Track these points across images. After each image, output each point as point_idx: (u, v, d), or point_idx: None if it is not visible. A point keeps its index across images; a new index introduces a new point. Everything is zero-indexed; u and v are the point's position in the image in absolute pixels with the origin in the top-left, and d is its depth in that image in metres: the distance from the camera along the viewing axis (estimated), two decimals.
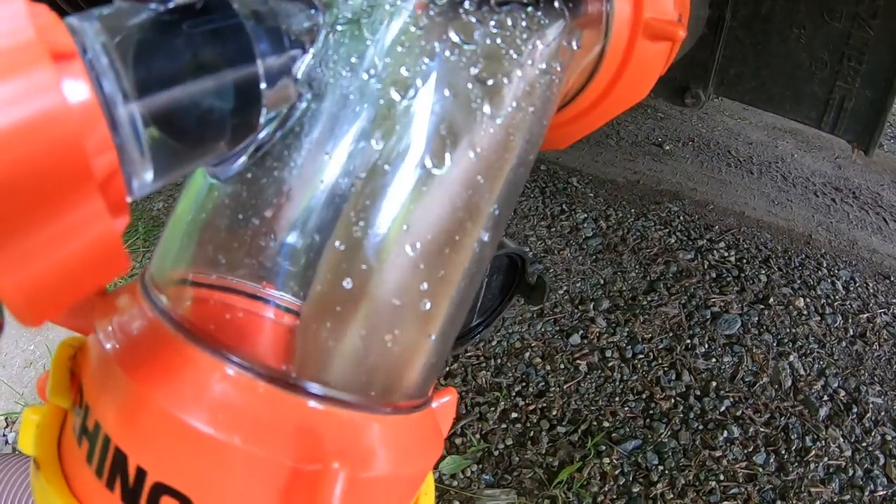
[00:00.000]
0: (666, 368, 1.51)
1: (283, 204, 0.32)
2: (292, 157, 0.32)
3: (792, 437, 1.38)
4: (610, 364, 1.52)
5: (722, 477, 1.29)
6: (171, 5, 0.26)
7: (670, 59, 0.56)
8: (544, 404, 1.43)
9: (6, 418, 1.48)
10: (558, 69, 0.39)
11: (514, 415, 1.41)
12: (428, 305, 0.34)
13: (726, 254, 1.86)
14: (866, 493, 1.29)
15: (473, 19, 0.33)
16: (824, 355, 1.56)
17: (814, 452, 1.35)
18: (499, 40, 0.34)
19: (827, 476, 1.31)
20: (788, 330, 1.62)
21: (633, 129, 2.53)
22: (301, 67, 0.31)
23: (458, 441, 1.35)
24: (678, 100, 1.08)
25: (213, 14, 0.28)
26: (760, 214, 2.05)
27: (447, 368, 1.50)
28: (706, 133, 2.52)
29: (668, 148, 2.41)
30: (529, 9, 0.36)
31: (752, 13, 1.00)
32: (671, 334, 1.60)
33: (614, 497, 1.27)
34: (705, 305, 1.68)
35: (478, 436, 1.36)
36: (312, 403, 0.32)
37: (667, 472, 1.30)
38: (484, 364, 1.52)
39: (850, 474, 1.31)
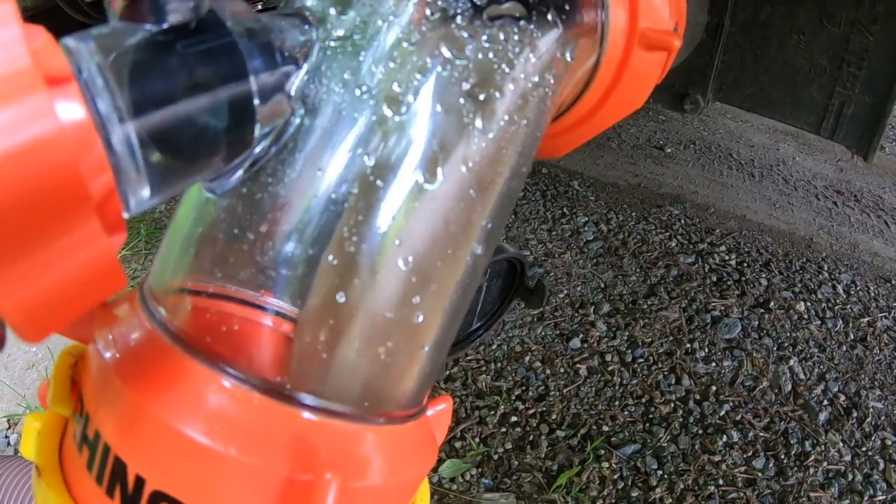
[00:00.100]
0: (666, 373, 1.51)
1: (277, 219, 0.32)
2: (286, 172, 0.32)
3: (791, 441, 1.38)
4: (610, 368, 1.52)
5: (721, 482, 1.30)
6: (165, 26, 0.27)
7: (666, 68, 0.56)
8: (544, 408, 1.43)
9: (8, 420, 1.49)
10: (552, 81, 0.40)
11: (513, 419, 1.41)
12: (421, 318, 0.34)
13: (727, 257, 1.86)
14: (866, 498, 1.29)
15: (465, 34, 0.34)
16: (825, 359, 1.56)
17: (813, 457, 1.35)
18: (491, 55, 0.34)
19: (826, 481, 1.31)
20: (789, 334, 1.62)
21: (634, 131, 2.53)
22: (295, 83, 0.32)
23: (457, 445, 1.36)
24: (677, 105, 1.08)
25: (206, 33, 0.28)
26: (761, 218, 2.05)
27: (447, 372, 1.50)
28: (707, 136, 2.52)
29: (669, 151, 2.41)
30: (522, 22, 0.36)
31: (751, 19, 1.00)
32: (671, 338, 1.60)
33: (613, 501, 1.27)
34: (706, 309, 1.68)
35: (477, 439, 1.37)
36: (307, 414, 0.33)
37: (666, 476, 1.30)
38: (484, 368, 1.52)
39: (850, 479, 1.31)
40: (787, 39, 0.99)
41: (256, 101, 0.30)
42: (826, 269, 1.84)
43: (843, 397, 1.47)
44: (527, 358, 1.55)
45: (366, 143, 0.32)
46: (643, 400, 1.45)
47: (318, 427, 0.33)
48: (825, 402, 1.46)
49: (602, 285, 1.76)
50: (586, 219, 2.01)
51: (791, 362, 1.54)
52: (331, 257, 0.32)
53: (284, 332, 0.33)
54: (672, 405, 1.44)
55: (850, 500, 1.29)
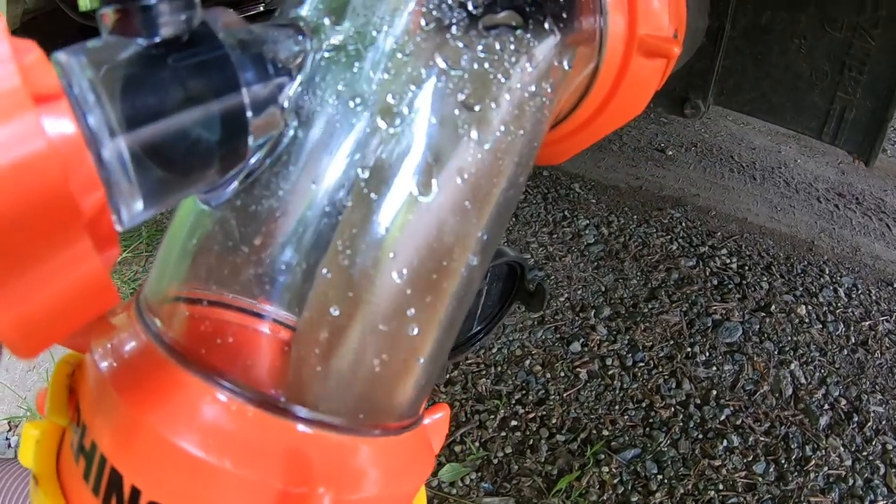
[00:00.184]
0: (666, 377, 1.51)
1: (272, 231, 0.32)
2: (281, 184, 0.32)
3: (792, 446, 1.37)
4: (610, 372, 1.52)
5: (721, 486, 1.29)
6: (157, 39, 0.27)
7: (666, 75, 0.55)
8: (544, 412, 1.43)
9: (9, 422, 1.49)
10: (549, 90, 0.39)
11: (513, 423, 1.41)
12: (416, 330, 0.34)
13: (728, 261, 1.86)
14: (866, 503, 1.28)
15: (460, 44, 0.33)
16: (825, 363, 1.55)
17: (814, 462, 1.34)
18: (487, 65, 0.34)
19: (827, 486, 1.31)
20: (790, 338, 1.61)
21: (635, 134, 2.52)
22: (288, 95, 0.31)
23: (457, 449, 1.35)
24: (677, 110, 1.08)
25: (198, 46, 0.28)
26: (763, 221, 2.05)
27: (447, 376, 1.50)
28: (709, 138, 2.52)
29: (670, 153, 2.41)
30: (518, 31, 0.36)
31: (752, 23, 1.00)
32: (672, 342, 1.59)
33: None
34: (706, 313, 1.67)
35: (477, 444, 1.36)
36: (301, 427, 0.33)
37: (666, 481, 1.30)
38: (484, 372, 1.52)
39: (850, 484, 1.31)
40: (788, 44, 0.99)
41: (249, 114, 0.29)
42: (827, 272, 1.83)
43: (843, 401, 1.47)
44: (527, 362, 1.54)
45: (360, 156, 0.32)
46: (643, 404, 1.45)
47: (312, 440, 0.33)
48: (826, 407, 1.46)
49: (603, 289, 1.76)
50: (587, 222, 2.01)
51: (792, 366, 1.54)
52: (325, 270, 0.32)
53: (280, 342, 0.33)
54: (672, 409, 1.44)
55: None
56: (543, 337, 1.61)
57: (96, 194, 0.26)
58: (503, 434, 1.39)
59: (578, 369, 1.53)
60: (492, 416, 1.42)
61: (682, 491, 1.28)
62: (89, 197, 0.25)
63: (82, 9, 0.28)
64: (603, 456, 1.34)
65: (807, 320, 1.67)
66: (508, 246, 1.83)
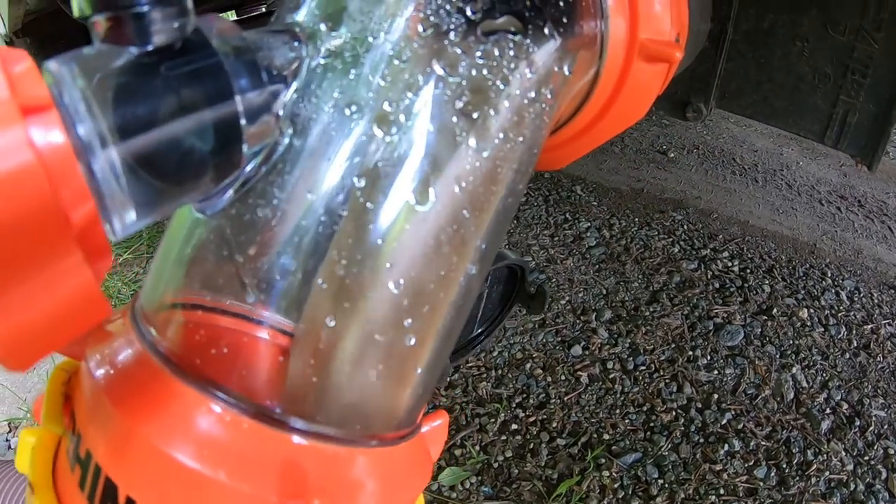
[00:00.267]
0: (667, 380, 1.50)
1: (266, 241, 0.31)
2: (276, 193, 0.31)
3: (793, 450, 1.36)
4: (611, 376, 1.52)
5: (722, 491, 1.28)
6: (150, 48, 0.26)
7: (668, 79, 0.55)
8: (544, 416, 1.42)
9: (9, 423, 1.49)
10: (549, 96, 0.39)
11: (514, 426, 1.40)
12: (413, 341, 0.34)
13: (730, 263, 1.85)
14: None
15: (459, 50, 0.33)
16: (827, 367, 1.55)
17: (815, 466, 1.33)
18: (485, 71, 0.34)
19: (828, 490, 1.30)
20: (791, 341, 1.61)
21: (637, 136, 2.52)
22: (284, 102, 0.31)
23: (457, 453, 1.35)
24: (679, 113, 1.07)
25: (191, 54, 0.27)
26: (765, 223, 2.04)
27: (448, 379, 1.49)
28: (711, 140, 2.51)
29: (672, 156, 2.40)
30: (518, 37, 0.36)
31: (754, 26, 0.99)
32: (673, 346, 1.59)
33: None
34: (708, 316, 1.67)
35: (477, 447, 1.36)
36: (297, 439, 0.33)
37: (666, 485, 1.29)
38: (485, 375, 1.52)
39: (852, 489, 1.30)
40: (790, 47, 0.98)
41: (243, 122, 0.29)
42: (829, 275, 1.83)
43: (845, 406, 1.46)
44: (528, 365, 1.54)
45: (356, 164, 0.31)
46: (644, 408, 1.44)
47: (308, 451, 0.33)
48: (828, 411, 1.45)
49: (604, 292, 1.75)
50: (589, 224, 2.00)
51: (794, 370, 1.53)
52: (320, 280, 0.31)
53: (276, 352, 0.33)
54: (673, 413, 1.43)
55: None
56: (544, 340, 1.60)
57: (87, 205, 0.26)
58: (503, 438, 1.38)
59: (579, 373, 1.52)
60: (492, 420, 1.41)
61: (682, 495, 1.28)
62: (80, 208, 0.25)
63: (75, 15, 0.28)
64: (603, 460, 1.34)
65: (809, 324, 1.66)
66: (509, 249, 1.83)
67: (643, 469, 1.32)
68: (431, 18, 0.33)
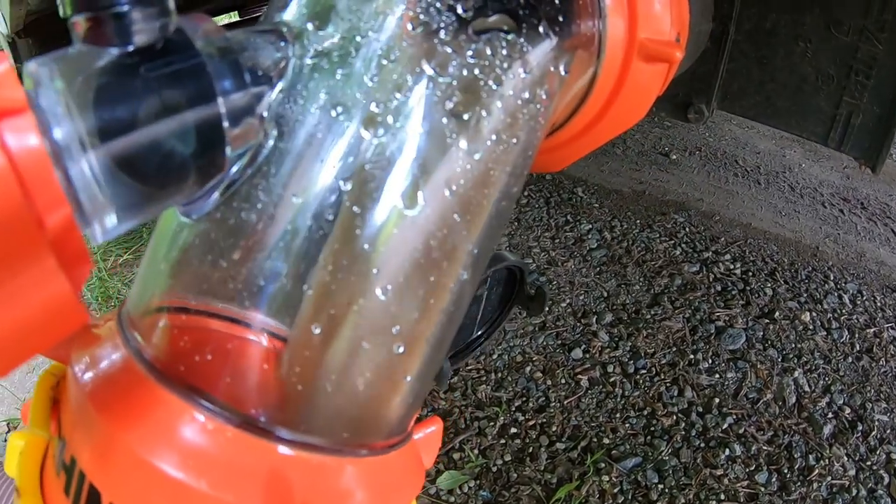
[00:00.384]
0: (668, 384, 1.49)
1: (252, 244, 0.31)
2: (261, 196, 0.30)
3: (795, 455, 1.35)
4: (612, 379, 1.50)
5: (723, 496, 1.27)
6: (130, 48, 0.26)
7: (668, 80, 0.54)
8: (544, 420, 1.41)
9: (8, 424, 1.49)
10: (544, 97, 0.38)
11: (513, 430, 1.39)
12: (401, 349, 0.33)
13: (732, 266, 1.84)
14: None
15: (449, 49, 0.32)
16: (830, 371, 1.53)
17: (817, 471, 1.32)
18: (477, 71, 0.33)
19: (830, 496, 1.29)
20: (793, 345, 1.60)
21: (639, 138, 2.51)
22: (269, 103, 0.30)
23: (456, 456, 1.34)
24: (681, 115, 1.06)
25: (173, 55, 0.27)
26: (767, 226, 2.03)
27: (448, 383, 1.48)
28: (713, 142, 2.50)
29: (674, 157, 2.39)
30: (511, 36, 0.35)
31: (756, 26, 0.98)
32: (674, 349, 1.58)
33: None
34: (709, 319, 1.65)
35: (476, 451, 1.35)
36: (283, 448, 0.32)
37: (667, 490, 1.28)
38: (484, 378, 1.51)
39: (854, 494, 1.29)
40: (793, 47, 0.97)
41: (226, 124, 0.28)
42: (832, 278, 1.81)
43: (848, 410, 1.45)
44: (527, 368, 1.53)
45: (342, 167, 0.30)
46: (645, 412, 1.43)
47: (293, 462, 0.32)
48: (830, 415, 1.44)
49: (605, 294, 1.74)
50: (590, 226, 1.99)
51: (796, 374, 1.52)
52: (305, 286, 0.30)
53: (261, 359, 0.32)
54: (674, 417, 1.42)
55: None
56: (544, 343, 1.59)
57: (62, 210, 0.25)
58: (502, 441, 1.37)
59: (579, 376, 1.51)
60: (491, 424, 1.40)
61: (683, 501, 1.27)
62: (55, 213, 0.25)
63: (61, 16, 0.27)
64: (603, 464, 1.32)
65: (811, 327, 1.65)
66: (510, 250, 1.82)
67: (643, 474, 1.31)
68: (421, 17, 0.32)
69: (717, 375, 1.52)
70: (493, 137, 0.34)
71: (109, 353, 0.34)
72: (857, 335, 1.63)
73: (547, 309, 1.67)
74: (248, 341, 0.32)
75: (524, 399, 1.46)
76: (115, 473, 0.31)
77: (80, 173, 0.25)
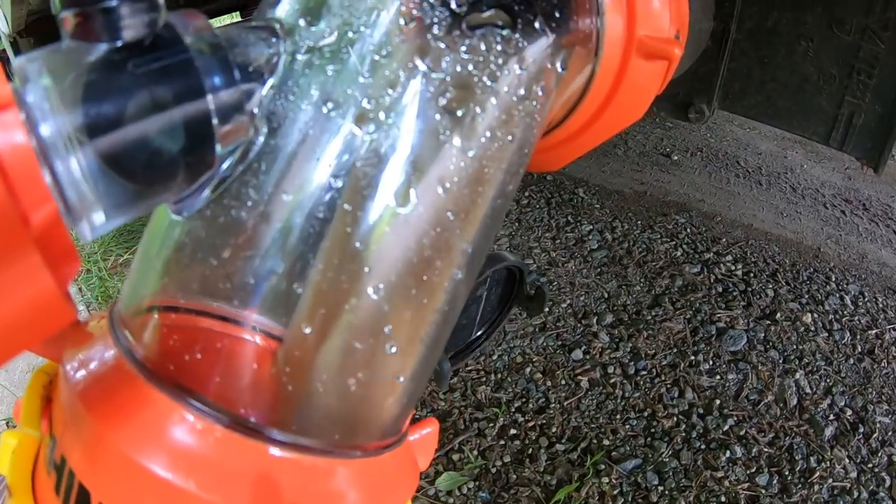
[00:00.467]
0: (669, 385, 1.49)
1: (242, 242, 0.30)
2: (251, 194, 0.30)
3: (796, 457, 1.35)
4: (612, 380, 1.50)
5: (723, 498, 1.27)
6: (119, 44, 0.25)
7: (667, 78, 0.54)
8: (544, 421, 1.41)
9: (7, 423, 1.49)
10: (540, 94, 0.37)
11: (512, 431, 1.39)
12: (394, 349, 0.32)
13: (733, 267, 1.83)
14: None
15: (442, 45, 0.31)
16: (831, 373, 1.53)
17: (818, 474, 1.32)
18: (471, 67, 0.32)
19: (831, 498, 1.28)
20: (795, 346, 1.59)
21: (640, 138, 2.50)
22: (259, 100, 0.30)
23: (455, 457, 1.33)
24: (681, 115, 1.06)
25: (161, 51, 0.26)
26: (768, 227, 2.02)
27: (448, 384, 1.48)
28: (715, 143, 2.49)
29: (676, 158, 2.39)
30: (506, 31, 0.34)
31: (758, 25, 0.97)
32: (675, 350, 1.57)
33: None
34: (710, 321, 1.65)
35: (475, 452, 1.34)
36: (272, 449, 0.32)
37: (667, 492, 1.28)
38: (484, 379, 1.50)
39: (856, 496, 1.28)
40: (795, 46, 0.96)
41: (215, 121, 0.28)
42: (834, 279, 1.81)
43: (849, 412, 1.44)
44: (527, 369, 1.52)
45: (333, 164, 0.30)
46: (645, 413, 1.43)
47: (283, 463, 0.32)
48: (831, 417, 1.43)
49: (605, 295, 1.73)
50: (591, 227, 1.99)
51: (797, 375, 1.51)
52: (295, 285, 0.30)
53: (251, 359, 0.32)
54: (675, 419, 1.41)
55: None
56: (545, 344, 1.59)
57: (48, 207, 0.25)
58: (502, 443, 1.36)
59: (580, 377, 1.50)
60: (491, 425, 1.40)
61: (683, 503, 1.26)
62: (40, 210, 0.24)
63: (53, 13, 0.27)
64: (603, 466, 1.32)
65: (812, 328, 1.64)
66: (511, 251, 1.82)
67: (643, 475, 1.30)
68: (414, 12, 0.31)
69: (718, 377, 1.51)
70: (488, 134, 0.33)
71: (100, 352, 0.34)
72: (858, 337, 1.63)
73: (547, 309, 1.67)
74: (239, 340, 0.32)
75: (524, 400, 1.45)
76: (104, 473, 0.30)
77: (68, 170, 0.25)
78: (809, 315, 1.67)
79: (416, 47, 0.31)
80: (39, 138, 0.24)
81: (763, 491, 1.28)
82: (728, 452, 1.34)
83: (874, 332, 1.64)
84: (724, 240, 1.94)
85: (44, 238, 0.25)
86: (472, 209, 0.33)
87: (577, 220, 2.03)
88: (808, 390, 1.49)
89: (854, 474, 1.32)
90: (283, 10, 0.33)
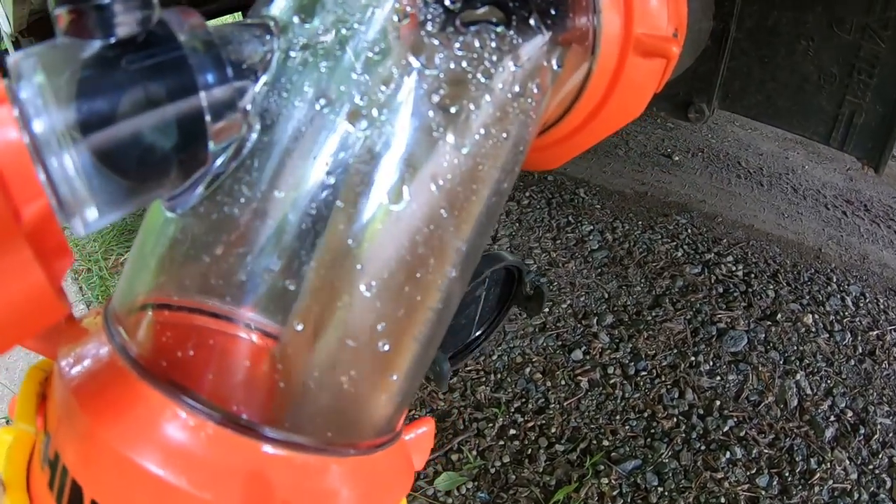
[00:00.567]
0: (669, 386, 1.48)
1: (235, 239, 0.30)
2: (245, 191, 0.30)
3: (796, 458, 1.34)
4: (612, 381, 1.50)
5: (723, 500, 1.26)
6: (112, 40, 0.25)
7: (665, 77, 0.53)
8: (543, 421, 1.41)
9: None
10: (536, 92, 0.37)
11: (512, 431, 1.39)
12: (387, 346, 0.32)
13: (734, 268, 1.83)
14: None
15: (436, 42, 0.31)
16: (832, 374, 1.52)
17: (818, 475, 1.31)
18: (465, 64, 0.32)
19: (831, 500, 1.28)
20: (796, 347, 1.59)
21: (641, 139, 2.50)
22: (253, 97, 0.30)
23: (454, 457, 1.33)
24: (681, 114, 1.05)
25: (155, 47, 0.26)
26: (770, 227, 2.02)
27: (448, 384, 1.48)
28: (716, 144, 2.49)
29: (677, 159, 2.38)
30: (500, 28, 0.34)
31: (758, 24, 0.97)
32: (675, 351, 1.57)
33: None
34: (711, 321, 1.65)
35: (474, 452, 1.34)
36: (265, 447, 0.32)
37: (666, 493, 1.27)
38: (483, 379, 1.50)
39: (856, 498, 1.28)
40: (795, 46, 0.96)
41: (208, 118, 0.28)
42: (835, 280, 1.80)
43: (850, 413, 1.44)
44: (527, 369, 1.52)
45: (326, 161, 0.30)
46: (645, 414, 1.42)
47: (276, 461, 0.32)
48: (832, 418, 1.43)
49: (606, 296, 1.73)
50: (591, 227, 1.99)
51: (798, 376, 1.51)
52: (287, 282, 0.30)
53: (243, 356, 0.31)
54: (675, 420, 1.41)
55: None
56: (544, 344, 1.58)
57: (39, 202, 0.25)
58: (501, 443, 1.36)
59: (579, 378, 1.50)
60: (490, 425, 1.40)
61: None
62: (32, 205, 0.25)
63: (50, 11, 0.27)
64: (602, 467, 1.32)
65: (813, 329, 1.64)
66: (511, 251, 1.81)
67: (643, 476, 1.30)
68: (408, 8, 0.31)
69: (719, 378, 1.51)
70: (482, 132, 0.33)
71: (95, 348, 0.34)
72: (859, 338, 1.62)
73: (547, 310, 1.67)
74: (232, 337, 0.32)
75: (523, 400, 1.45)
76: (97, 469, 0.30)
77: (61, 166, 0.25)
78: (810, 316, 1.67)
79: (410, 44, 0.31)
80: (32, 135, 0.24)
81: (763, 492, 1.28)
82: (728, 453, 1.34)
83: (875, 333, 1.64)
84: (724, 240, 1.94)
85: (35, 233, 0.25)
86: (466, 207, 0.33)
87: (577, 220, 2.02)
88: (808, 391, 1.48)
89: (854, 476, 1.32)
90: (278, 8, 0.33)
